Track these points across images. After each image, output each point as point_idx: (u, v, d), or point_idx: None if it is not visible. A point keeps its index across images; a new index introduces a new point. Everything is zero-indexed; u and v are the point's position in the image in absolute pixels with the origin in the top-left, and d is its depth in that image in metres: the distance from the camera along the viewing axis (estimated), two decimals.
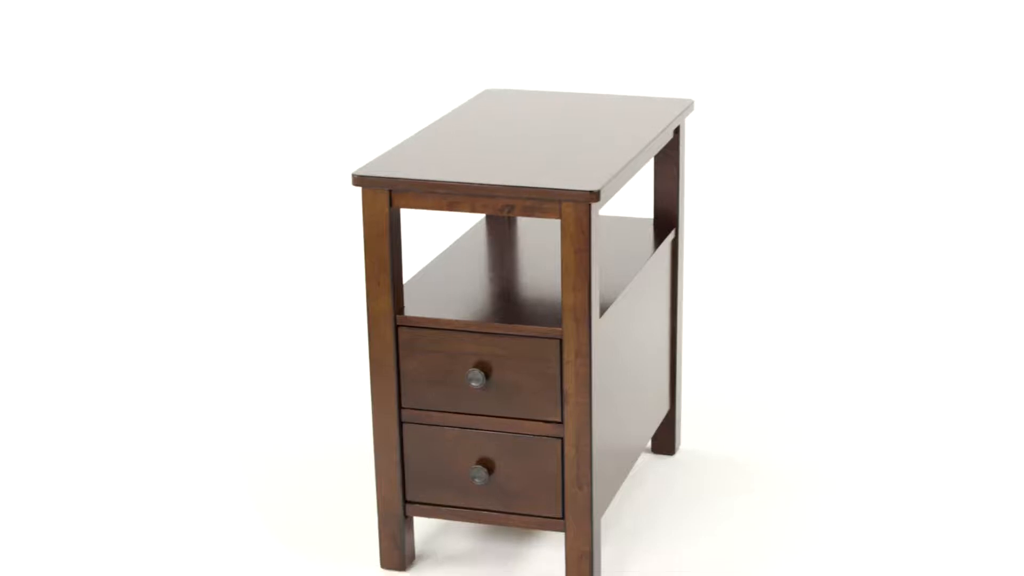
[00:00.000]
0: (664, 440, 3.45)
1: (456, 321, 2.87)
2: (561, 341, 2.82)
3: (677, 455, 3.45)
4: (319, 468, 3.44)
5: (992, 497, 3.23)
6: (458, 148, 2.98)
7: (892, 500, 3.23)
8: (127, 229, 4.88)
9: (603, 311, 2.90)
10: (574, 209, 2.75)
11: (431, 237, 4.80)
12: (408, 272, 4.59)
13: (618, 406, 3.02)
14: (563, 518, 2.91)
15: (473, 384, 2.85)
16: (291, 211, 4.98)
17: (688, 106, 3.26)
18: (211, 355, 4.02)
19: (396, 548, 3.01)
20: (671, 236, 3.30)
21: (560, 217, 2.76)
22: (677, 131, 3.27)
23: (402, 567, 3.02)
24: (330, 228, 4.86)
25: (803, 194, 4.99)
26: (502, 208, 2.79)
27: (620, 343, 3.01)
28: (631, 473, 3.37)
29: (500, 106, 3.27)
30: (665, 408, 3.37)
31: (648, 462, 3.41)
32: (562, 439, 2.87)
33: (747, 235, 4.73)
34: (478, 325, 2.86)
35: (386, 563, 3.03)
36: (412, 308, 2.93)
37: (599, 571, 2.96)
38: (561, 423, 2.86)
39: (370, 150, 5.30)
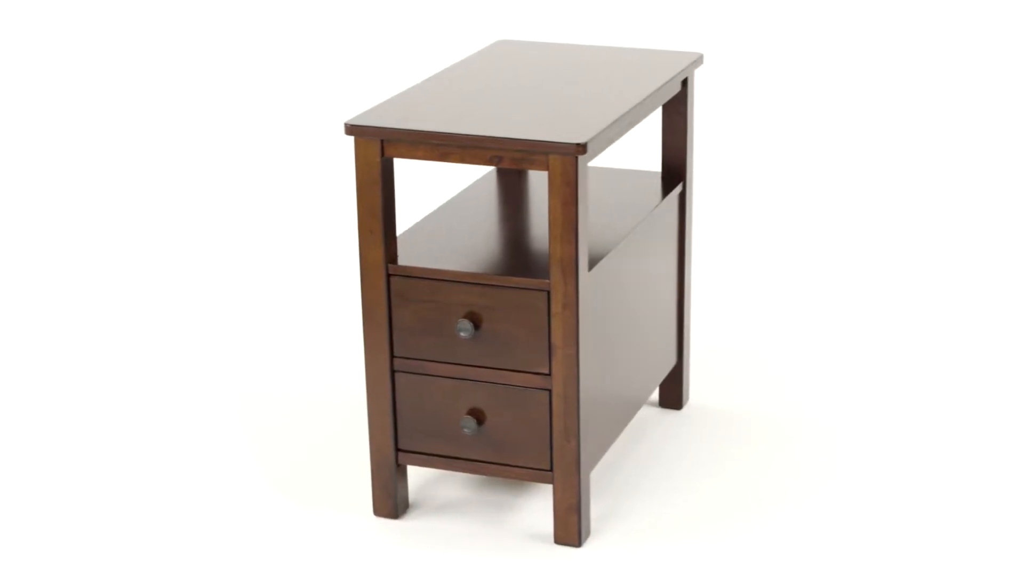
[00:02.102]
0: (671, 394, 3.44)
1: (446, 271, 2.87)
2: (549, 293, 2.82)
3: (684, 410, 3.44)
4: (317, 417, 3.46)
5: (990, 454, 3.20)
6: (455, 99, 2.97)
7: (895, 459, 3.20)
8: (121, 184, 4.92)
9: (596, 263, 2.89)
10: (561, 162, 2.74)
11: (443, 186, 4.80)
12: (412, 221, 4.58)
13: (612, 359, 3.01)
14: (551, 470, 2.91)
15: (462, 334, 2.86)
16: (301, 162, 5.00)
17: (696, 59, 3.24)
18: (208, 305, 4.05)
19: (389, 497, 3.03)
20: (678, 189, 3.28)
21: (547, 169, 2.75)
22: (685, 83, 3.25)
23: (395, 515, 3.04)
24: (342, 179, 4.87)
25: (817, 150, 4.94)
26: (491, 159, 2.79)
27: (614, 295, 3.00)
28: (634, 427, 3.36)
29: (508, 57, 3.26)
30: (671, 362, 3.36)
31: (654, 416, 3.41)
32: (550, 391, 2.87)
33: (761, 189, 4.70)
34: (468, 276, 2.86)
35: (379, 511, 3.05)
36: (406, 257, 2.93)
37: (588, 524, 2.96)
38: (549, 375, 2.86)
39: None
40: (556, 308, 2.81)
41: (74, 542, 2.97)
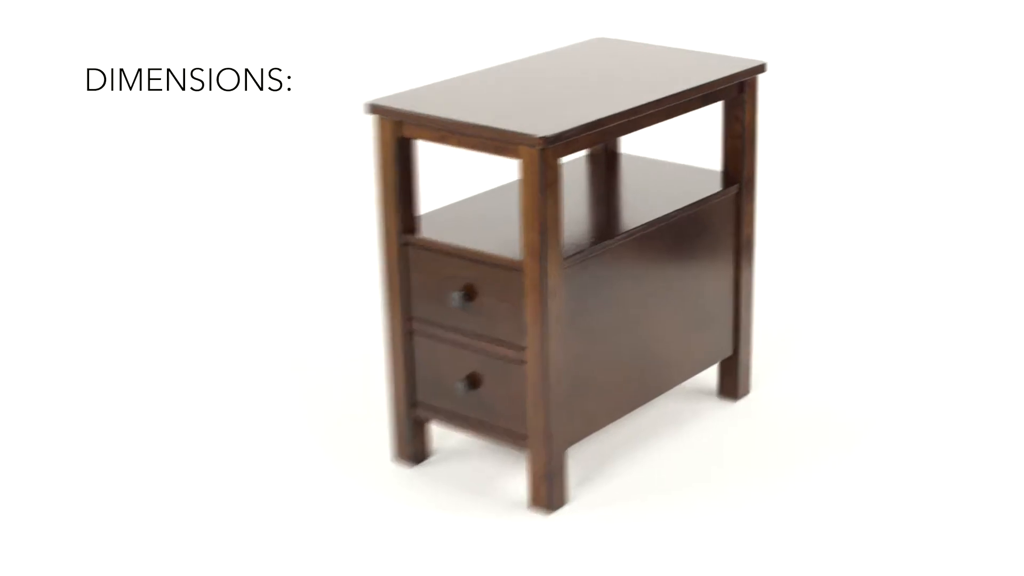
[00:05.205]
0: (728, 385, 3.57)
1: (446, 245, 3.13)
2: (523, 274, 3.04)
3: (741, 401, 3.55)
4: (353, 369, 3.76)
5: None
6: (485, 88, 3.21)
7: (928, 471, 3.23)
8: (162, 157, 5.29)
9: (589, 250, 3.07)
10: (529, 153, 2.95)
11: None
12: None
13: (609, 342, 3.18)
14: (527, 439, 3.14)
15: (454, 304, 3.12)
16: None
17: (756, 67, 3.34)
18: (251, 270, 4.39)
19: (406, 444, 3.33)
20: (734, 190, 3.41)
21: (520, 159, 2.97)
22: (742, 88, 3.36)
23: (412, 461, 3.33)
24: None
25: (892, 154, 4.84)
26: (477, 145, 3.03)
27: (615, 283, 3.17)
28: (666, 412, 3.50)
29: (584, 54, 3.46)
30: (724, 353, 3.49)
31: (700, 404, 3.53)
32: (526, 364, 3.09)
33: (836, 190, 4.64)
34: (461, 251, 3.11)
35: (398, 457, 3.35)
36: (431, 229, 3.21)
37: (562, 492, 3.16)
38: (525, 349, 3.08)
39: None
40: (528, 289, 3.03)
41: (91, 499, 3.41)
